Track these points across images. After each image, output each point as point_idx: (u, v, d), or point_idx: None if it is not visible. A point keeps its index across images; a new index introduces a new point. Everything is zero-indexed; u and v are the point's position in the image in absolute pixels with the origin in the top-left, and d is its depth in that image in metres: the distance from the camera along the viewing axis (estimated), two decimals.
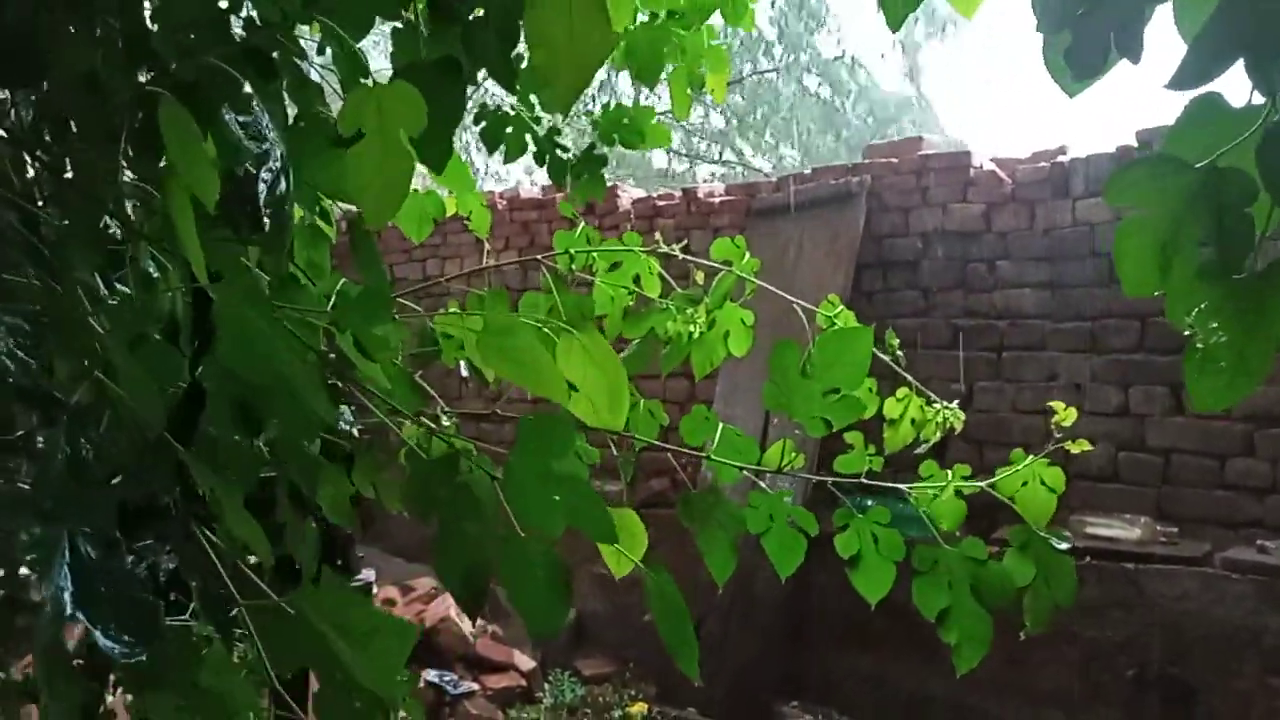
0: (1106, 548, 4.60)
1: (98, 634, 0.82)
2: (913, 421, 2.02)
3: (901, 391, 2.06)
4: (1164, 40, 1.04)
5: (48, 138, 1.21)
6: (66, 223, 1.15)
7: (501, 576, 1.21)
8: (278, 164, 1.12)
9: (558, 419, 1.28)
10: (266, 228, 1.11)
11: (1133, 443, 4.95)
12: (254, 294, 1.04)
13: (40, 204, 1.16)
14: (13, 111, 1.16)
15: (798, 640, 5.51)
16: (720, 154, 16.90)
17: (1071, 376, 5.12)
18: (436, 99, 1.14)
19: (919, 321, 5.60)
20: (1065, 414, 1.90)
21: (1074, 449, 1.80)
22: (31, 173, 1.19)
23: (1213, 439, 4.72)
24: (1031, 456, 1.65)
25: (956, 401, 2.15)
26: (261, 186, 1.09)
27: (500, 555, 1.20)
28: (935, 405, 2.05)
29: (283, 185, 1.11)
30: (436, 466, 1.28)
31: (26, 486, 0.90)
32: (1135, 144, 4.93)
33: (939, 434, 2.01)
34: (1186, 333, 0.96)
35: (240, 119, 1.10)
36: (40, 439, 0.89)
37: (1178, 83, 0.93)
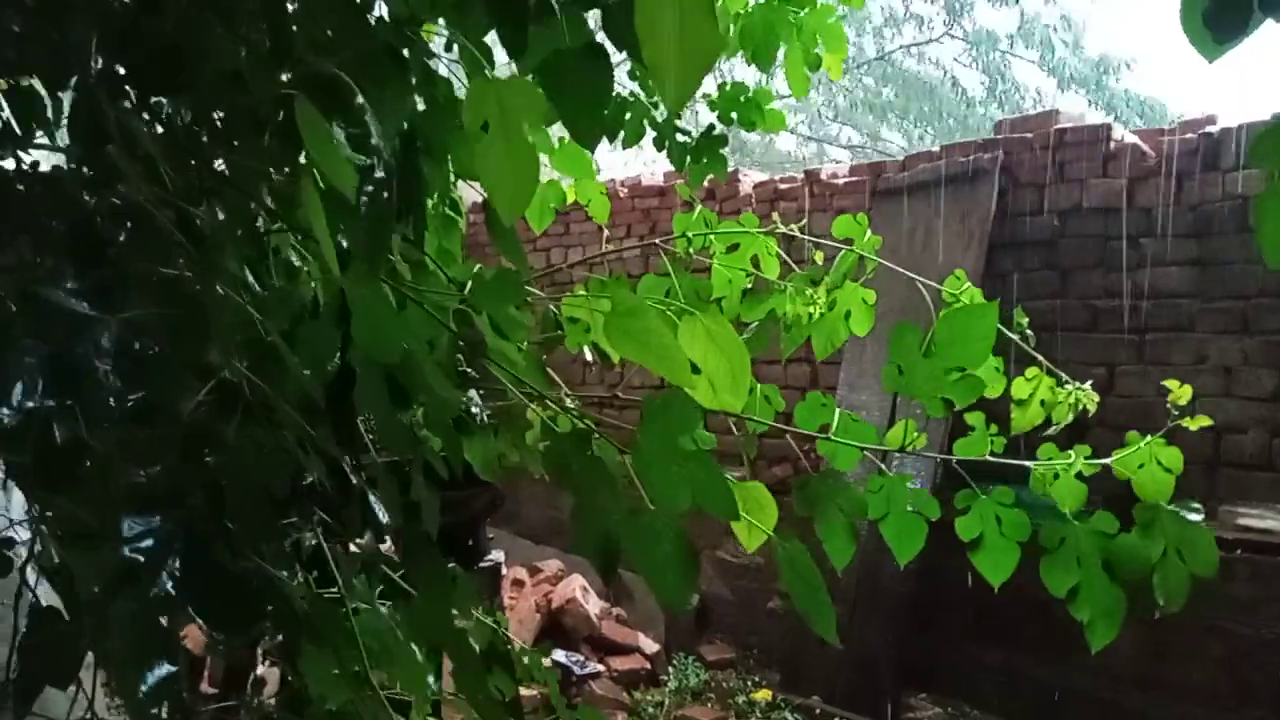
0: (1260, 540, 4.34)
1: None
2: (1042, 403, 1.94)
3: (1031, 371, 1.99)
4: None
5: (204, 137, 1.28)
6: (221, 218, 1.22)
7: (631, 548, 1.24)
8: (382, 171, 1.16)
9: (683, 397, 1.30)
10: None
11: None
12: (375, 281, 1.08)
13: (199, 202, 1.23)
14: (169, 111, 1.23)
15: (927, 631, 5.40)
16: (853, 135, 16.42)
17: (1222, 359, 4.84)
18: (586, 80, 1.16)
19: (1055, 303, 5.38)
20: (1181, 391, 1.81)
21: (1192, 425, 1.73)
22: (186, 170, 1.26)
23: None
24: (1149, 436, 1.60)
25: (1090, 383, 2.05)
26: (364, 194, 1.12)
27: (629, 527, 1.23)
28: (1066, 386, 1.97)
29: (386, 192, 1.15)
30: (570, 439, 1.32)
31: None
32: None
33: (1071, 415, 1.93)
34: None
35: (350, 129, 1.13)
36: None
37: None
